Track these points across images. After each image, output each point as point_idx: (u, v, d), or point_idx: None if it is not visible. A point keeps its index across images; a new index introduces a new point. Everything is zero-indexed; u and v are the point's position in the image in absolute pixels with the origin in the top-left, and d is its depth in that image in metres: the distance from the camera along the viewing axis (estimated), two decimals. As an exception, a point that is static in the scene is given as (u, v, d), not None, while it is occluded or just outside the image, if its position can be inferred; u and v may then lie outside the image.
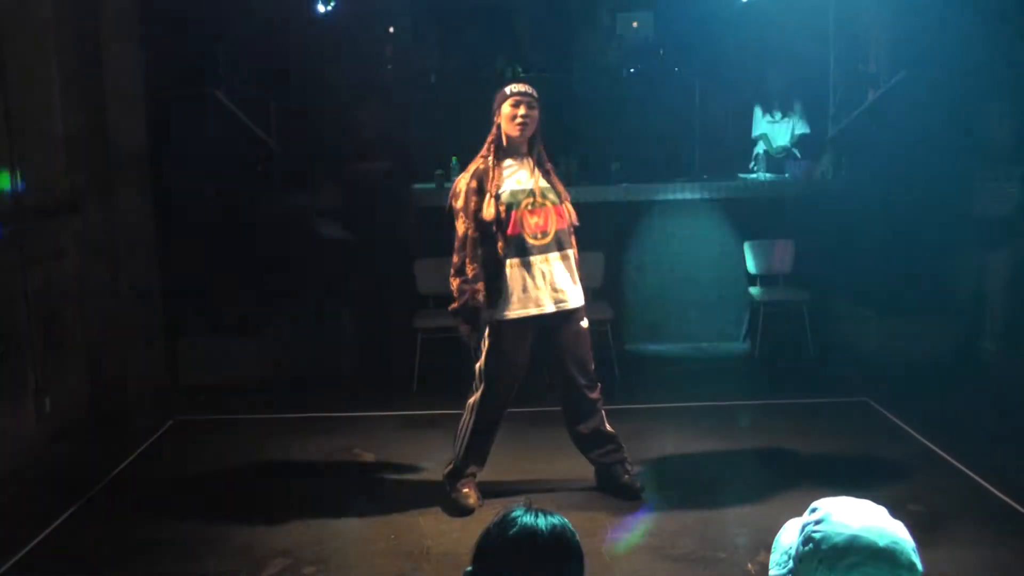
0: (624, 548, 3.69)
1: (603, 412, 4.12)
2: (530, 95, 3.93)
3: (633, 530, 3.87)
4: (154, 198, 5.70)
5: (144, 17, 5.71)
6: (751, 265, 6.51)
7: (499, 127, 3.95)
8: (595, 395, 4.08)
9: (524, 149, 3.97)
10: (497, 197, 3.85)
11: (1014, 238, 5.79)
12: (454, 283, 3.87)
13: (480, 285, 3.82)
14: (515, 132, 3.91)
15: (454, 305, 3.88)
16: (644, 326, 6.22)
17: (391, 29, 8.11)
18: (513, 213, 3.85)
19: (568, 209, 4.00)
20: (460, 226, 3.89)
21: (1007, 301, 5.86)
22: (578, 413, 4.09)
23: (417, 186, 6.69)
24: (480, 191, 3.88)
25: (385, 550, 3.66)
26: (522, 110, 3.89)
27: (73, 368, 5.05)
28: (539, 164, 3.99)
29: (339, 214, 6.23)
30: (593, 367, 4.08)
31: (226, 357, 5.90)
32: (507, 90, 3.96)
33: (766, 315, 6.30)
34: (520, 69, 8.13)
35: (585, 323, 4.04)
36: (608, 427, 4.12)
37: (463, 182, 3.92)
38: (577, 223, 4.05)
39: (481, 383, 3.96)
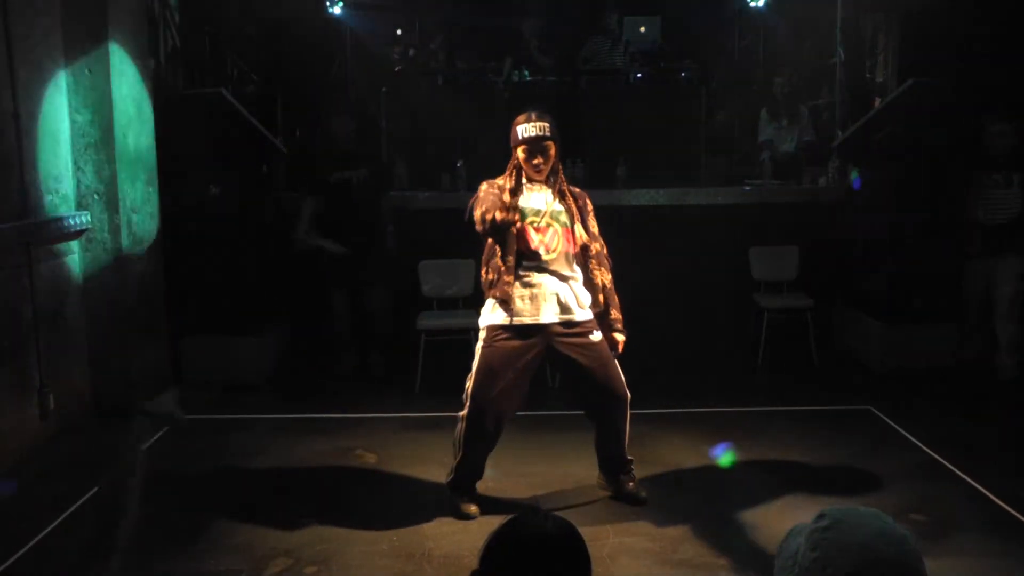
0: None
1: (626, 432, 4.07)
2: (542, 140, 3.86)
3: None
4: (160, 197, 5.71)
5: (152, 16, 5.73)
6: (756, 271, 6.51)
7: (517, 157, 3.94)
8: (622, 419, 4.02)
9: (543, 177, 3.96)
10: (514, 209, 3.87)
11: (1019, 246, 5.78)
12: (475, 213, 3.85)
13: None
14: (532, 174, 3.93)
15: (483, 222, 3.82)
16: (647, 331, 6.19)
17: (399, 31, 8.13)
18: (521, 225, 3.86)
19: (580, 233, 3.93)
20: (478, 214, 3.87)
21: (1011, 309, 5.85)
22: (603, 428, 4.08)
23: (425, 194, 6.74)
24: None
25: (387, 551, 3.66)
26: (536, 160, 3.88)
27: (77, 366, 5.06)
28: (558, 190, 3.95)
29: (334, 219, 6.22)
30: (622, 384, 3.98)
31: (230, 356, 5.91)
32: (520, 132, 3.88)
33: (770, 322, 6.29)
34: (527, 73, 8.14)
35: (597, 336, 3.94)
36: (626, 450, 4.10)
37: (483, 189, 3.94)
38: (591, 247, 3.96)
39: (468, 401, 3.91)
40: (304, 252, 6.07)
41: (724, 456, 4.68)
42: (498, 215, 3.74)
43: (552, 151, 3.90)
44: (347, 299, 6.19)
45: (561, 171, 4.00)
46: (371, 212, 6.09)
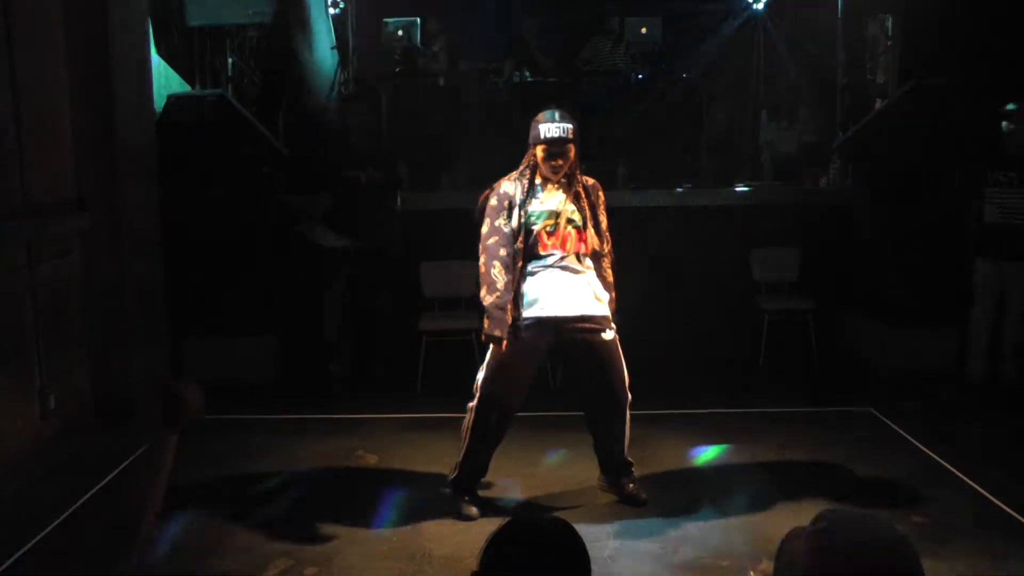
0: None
1: (627, 435, 4.07)
2: (564, 142, 3.79)
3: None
4: (160, 197, 5.71)
5: (153, 17, 5.73)
6: (757, 273, 6.50)
7: (535, 155, 3.88)
8: (620, 423, 4.02)
9: (559, 178, 3.91)
10: (524, 220, 3.83)
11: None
12: (486, 300, 3.80)
13: (508, 304, 3.78)
14: (550, 175, 3.87)
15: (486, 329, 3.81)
16: (647, 332, 6.20)
17: (400, 32, 8.13)
18: (532, 230, 3.83)
19: (592, 239, 3.89)
20: (484, 232, 3.87)
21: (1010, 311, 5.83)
22: (600, 431, 4.09)
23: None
24: (508, 208, 3.86)
25: (387, 552, 3.66)
26: (556, 161, 3.81)
27: (77, 366, 5.05)
28: (573, 193, 3.89)
29: (342, 216, 6.21)
30: (624, 388, 3.97)
31: (231, 357, 5.90)
32: (542, 132, 3.81)
33: (771, 323, 6.29)
34: (528, 74, 8.15)
35: (609, 335, 3.90)
36: (627, 452, 4.10)
37: (493, 198, 3.89)
38: (602, 250, 3.93)
39: (477, 393, 3.91)
40: (306, 247, 5.97)
41: (705, 455, 4.69)
42: (492, 332, 3.78)
43: (572, 154, 3.84)
44: (339, 299, 6.02)
45: (579, 172, 3.94)
46: (378, 212, 6.00)
